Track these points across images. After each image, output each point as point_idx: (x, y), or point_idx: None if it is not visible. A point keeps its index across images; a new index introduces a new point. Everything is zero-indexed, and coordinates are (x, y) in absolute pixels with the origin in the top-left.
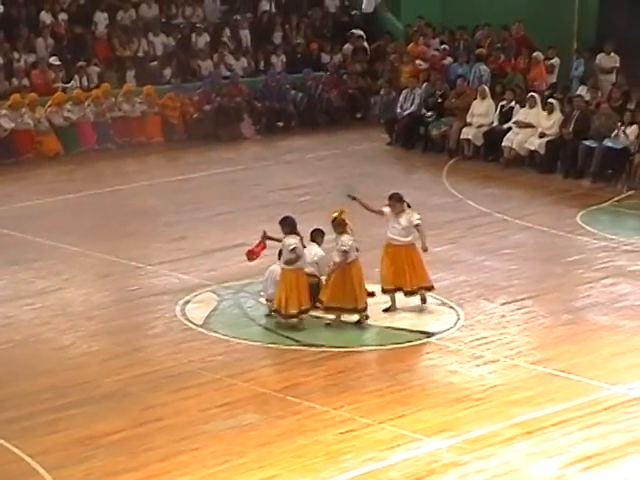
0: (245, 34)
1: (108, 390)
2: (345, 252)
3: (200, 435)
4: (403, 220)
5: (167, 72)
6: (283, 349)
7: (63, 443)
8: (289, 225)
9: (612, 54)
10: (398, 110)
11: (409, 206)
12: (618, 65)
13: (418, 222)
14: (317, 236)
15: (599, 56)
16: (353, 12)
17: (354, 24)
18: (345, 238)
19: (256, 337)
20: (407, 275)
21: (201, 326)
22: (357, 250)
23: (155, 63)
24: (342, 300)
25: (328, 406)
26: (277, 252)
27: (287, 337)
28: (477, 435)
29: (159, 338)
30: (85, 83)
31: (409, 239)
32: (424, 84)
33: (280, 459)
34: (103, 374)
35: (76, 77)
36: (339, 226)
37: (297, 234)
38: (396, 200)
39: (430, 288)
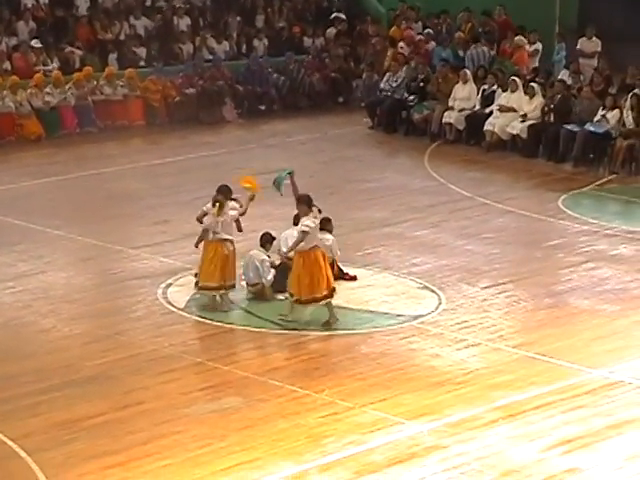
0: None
1: (89, 373)
2: (204, 231)
3: (182, 418)
4: (299, 224)
5: (141, 51)
6: (265, 332)
7: (44, 426)
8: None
9: (594, 38)
10: (380, 89)
11: (320, 211)
12: (600, 49)
13: (303, 228)
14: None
15: (581, 40)
16: None
17: (336, 7)
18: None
19: (238, 321)
20: (300, 283)
21: (183, 309)
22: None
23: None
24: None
25: (309, 389)
26: (259, 237)
27: (269, 320)
28: (458, 419)
29: (141, 321)
30: (57, 64)
31: (304, 245)
32: (404, 66)
33: (262, 442)
34: (84, 357)
35: (47, 59)
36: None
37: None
38: (301, 202)
39: (321, 298)
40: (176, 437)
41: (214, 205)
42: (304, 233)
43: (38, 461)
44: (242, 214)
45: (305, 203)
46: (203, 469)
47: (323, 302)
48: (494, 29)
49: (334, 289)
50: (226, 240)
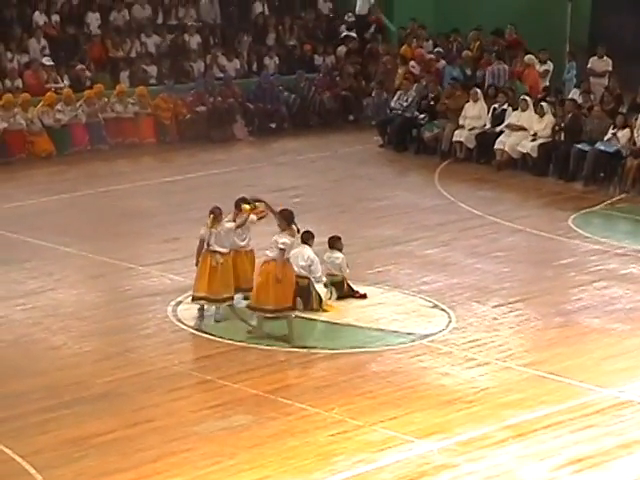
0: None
1: (100, 391)
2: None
3: (191, 436)
4: (276, 237)
5: (152, 69)
6: (275, 350)
7: (54, 443)
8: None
9: (604, 57)
10: (390, 107)
11: (299, 231)
12: (610, 68)
13: (280, 246)
14: (308, 238)
15: (591, 59)
16: (346, 14)
17: (347, 26)
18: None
19: (247, 338)
20: (268, 294)
21: (193, 327)
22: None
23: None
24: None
25: (319, 408)
26: None
27: (279, 339)
28: (468, 437)
29: (151, 339)
30: (68, 81)
31: (274, 255)
32: (415, 85)
33: (271, 460)
34: (95, 375)
35: (57, 77)
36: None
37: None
38: (282, 217)
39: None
40: (186, 455)
41: (209, 216)
42: (282, 251)
43: (47, 478)
44: (238, 226)
45: (285, 219)
46: None
47: (268, 315)
48: (503, 48)
49: (289, 308)
50: (216, 252)
